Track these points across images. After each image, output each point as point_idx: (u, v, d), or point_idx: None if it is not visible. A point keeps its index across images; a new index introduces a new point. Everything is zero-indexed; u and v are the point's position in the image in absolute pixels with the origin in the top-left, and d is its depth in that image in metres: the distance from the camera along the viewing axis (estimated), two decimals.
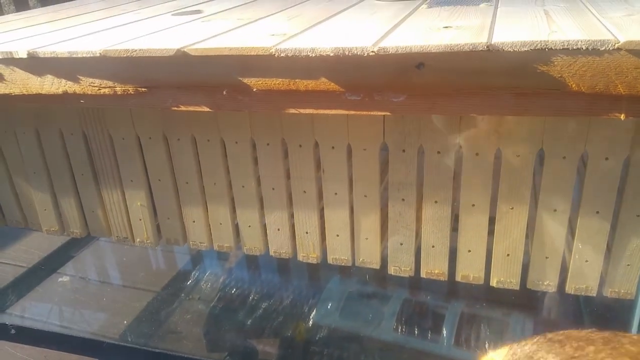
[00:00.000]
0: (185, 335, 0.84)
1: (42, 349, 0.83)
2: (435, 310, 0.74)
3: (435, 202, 0.52)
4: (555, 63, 0.41)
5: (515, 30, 0.45)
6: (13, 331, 0.81)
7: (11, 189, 0.70)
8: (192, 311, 0.88)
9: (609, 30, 0.43)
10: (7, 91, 0.58)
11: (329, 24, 0.56)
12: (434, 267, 0.56)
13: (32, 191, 0.69)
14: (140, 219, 0.65)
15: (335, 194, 0.56)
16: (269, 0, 0.79)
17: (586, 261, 0.51)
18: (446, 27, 0.49)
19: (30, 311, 0.91)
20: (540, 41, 0.40)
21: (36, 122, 0.64)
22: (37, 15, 0.78)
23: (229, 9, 0.75)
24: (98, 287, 1.00)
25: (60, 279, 0.95)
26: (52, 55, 0.54)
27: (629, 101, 0.42)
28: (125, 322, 0.87)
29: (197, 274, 0.94)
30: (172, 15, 0.74)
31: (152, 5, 0.80)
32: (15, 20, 0.75)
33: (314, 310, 0.78)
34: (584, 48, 0.40)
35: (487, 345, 0.72)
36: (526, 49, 0.41)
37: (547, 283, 0.54)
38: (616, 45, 0.39)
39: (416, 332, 0.72)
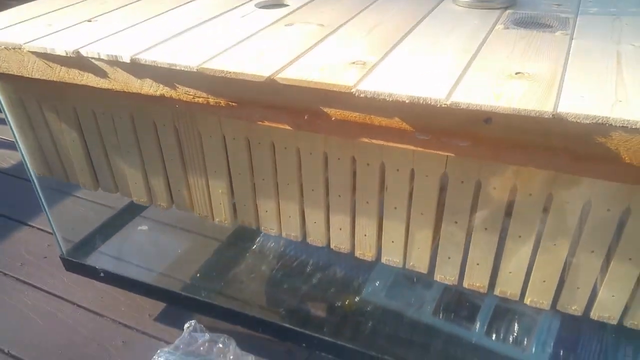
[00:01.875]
0: (245, 285, 0.96)
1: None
2: (472, 300, 0.82)
3: (485, 229, 0.58)
4: (613, 137, 0.44)
5: (583, 92, 0.48)
6: (102, 274, 0.94)
7: (106, 161, 0.80)
8: (253, 265, 0.99)
9: None
10: (109, 86, 0.65)
11: (407, 49, 0.59)
12: (476, 281, 0.62)
13: (126, 167, 0.78)
14: (220, 203, 0.74)
15: (395, 208, 0.62)
16: None
17: (612, 296, 0.56)
18: (518, 73, 0.52)
19: (114, 253, 1.05)
20: (602, 117, 0.44)
21: (132, 109, 0.72)
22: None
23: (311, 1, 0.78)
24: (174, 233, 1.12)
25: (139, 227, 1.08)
26: (153, 64, 0.60)
27: None
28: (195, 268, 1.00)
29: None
30: (256, 6, 0.78)
31: None
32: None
33: (364, 287, 0.87)
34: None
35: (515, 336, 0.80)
36: (588, 122, 0.44)
37: (575, 308, 0.59)
38: None
39: (452, 318, 0.80)
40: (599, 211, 0.52)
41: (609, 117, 0.44)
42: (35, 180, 0.89)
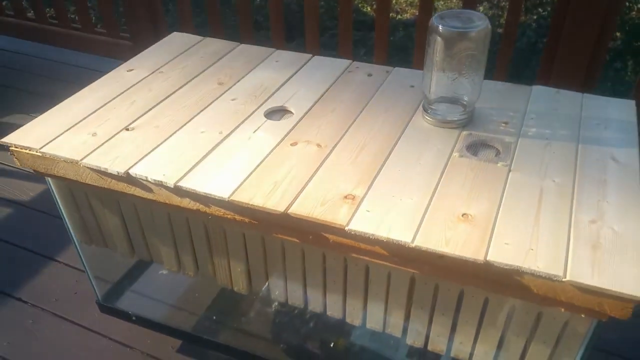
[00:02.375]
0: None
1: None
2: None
3: (442, 314, 0.79)
4: (525, 277, 0.65)
5: (507, 239, 0.68)
6: (134, 318, 1.14)
7: (143, 238, 0.98)
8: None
9: (565, 260, 0.65)
10: (153, 198, 0.83)
11: (383, 182, 0.78)
12: (436, 347, 0.83)
13: (160, 244, 0.96)
14: (239, 278, 0.93)
15: (376, 294, 0.82)
16: (339, 98, 0.99)
17: None
18: (464, 214, 0.72)
19: (140, 295, 1.24)
20: (516, 266, 0.64)
21: (169, 208, 0.89)
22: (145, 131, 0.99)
23: (313, 106, 0.95)
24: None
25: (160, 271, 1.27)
26: (192, 190, 0.78)
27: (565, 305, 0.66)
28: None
29: None
30: (265, 116, 0.95)
31: (246, 102, 0.99)
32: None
33: (352, 331, 1.08)
34: (543, 275, 0.63)
35: None
36: (507, 268, 0.64)
37: None
38: (563, 280, 0.63)
39: None
40: (520, 314, 0.73)
41: (521, 266, 0.64)
42: (78, 246, 1.07)
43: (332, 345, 1.09)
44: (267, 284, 0.92)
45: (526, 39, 2.78)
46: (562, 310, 0.67)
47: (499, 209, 0.73)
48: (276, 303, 1.17)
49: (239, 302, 1.21)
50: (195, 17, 2.01)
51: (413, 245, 0.68)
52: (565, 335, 0.74)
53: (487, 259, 0.65)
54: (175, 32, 1.25)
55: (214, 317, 1.19)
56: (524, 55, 2.62)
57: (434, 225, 0.71)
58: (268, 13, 1.78)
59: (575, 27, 1.36)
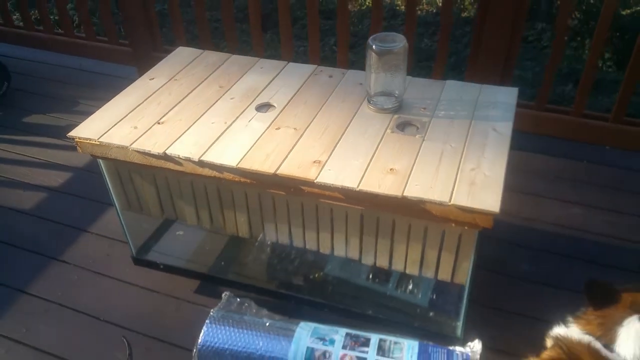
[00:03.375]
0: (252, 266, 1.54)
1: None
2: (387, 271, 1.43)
3: (381, 237, 1.18)
4: (427, 205, 1.04)
5: (418, 182, 1.06)
6: (162, 266, 1.50)
7: (171, 202, 1.34)
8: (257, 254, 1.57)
9: (451, 192, 1.04)
10: (182, 170, 1.20)
11: (341, 151, 1.16)
12: (382, 262, 1.22)
13: (184, 205, 1.33)
14: (243, 227, 1.30)
15: (340, 225, 1.20)
16: (308, 94, 1.37)
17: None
18: (391, 169, 1.10)
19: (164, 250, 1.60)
20: (421, 198, 1.02)
21: (192, 177, 1.25)
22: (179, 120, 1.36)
23: (290, 101, 1.32)
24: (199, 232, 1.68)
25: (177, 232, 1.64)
26: (211, 162, 1.15)
27: (455, 222, 1.05)
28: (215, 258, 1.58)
29: None
30: (255, 109, 1.32)
31: (241, 100, 1.36)
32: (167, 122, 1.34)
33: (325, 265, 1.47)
34: (437, 202, 1.02)
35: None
36: (416, 199, 1.03)
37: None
38: (449, 204, 1.02)
39: (377, 281, 1.41)
40: (432, 233, 1.13)
41: (424, 198, 1.03)
42: (119, 212, 1.43)
43: (311, 277, 1.48)
44: (262, 230, 1.30)
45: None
46: (454, 225, 1.07)
47: (414, 165, 1.12)
48: (268, 249, 1.55)
49: (240, 250, 1.59)
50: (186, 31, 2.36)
51: (358, 189, 1.06)
52: (462, 244, 1.13)
53: (404, 194, 1.04)
54: (180, 47, 1.60)
55: (222, 263, 1.57)
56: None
57: (372, 176, 1.09)
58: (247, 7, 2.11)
59: (490, 40, 1.78)
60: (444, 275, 1.19)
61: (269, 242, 1.53)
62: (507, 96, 1.34)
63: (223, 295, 1.38)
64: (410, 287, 1.43)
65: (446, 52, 1.97)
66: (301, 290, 1.48)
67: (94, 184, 1.98)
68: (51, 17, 2.84)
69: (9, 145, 2.22)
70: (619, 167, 1.99)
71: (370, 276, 1.44)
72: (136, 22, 2.30)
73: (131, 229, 1.50)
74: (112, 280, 1.64)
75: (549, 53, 2.15)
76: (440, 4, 3.63)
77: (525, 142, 1.81)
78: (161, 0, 3.91)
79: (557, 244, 1.67)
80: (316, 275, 1.48)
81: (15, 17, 3.07)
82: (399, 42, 1.18)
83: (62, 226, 1.83)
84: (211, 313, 1.30)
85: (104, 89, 2.45)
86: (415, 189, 1.05)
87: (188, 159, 1.17)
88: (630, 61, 1.73)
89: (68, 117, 2.34)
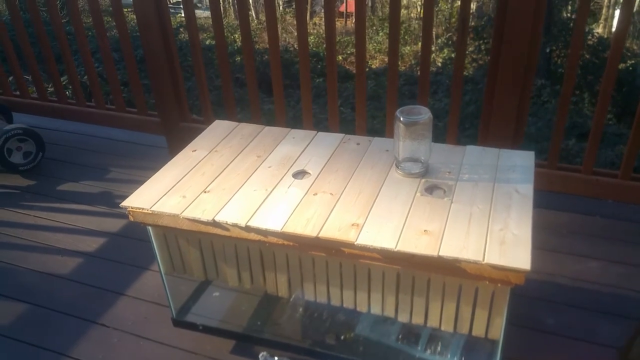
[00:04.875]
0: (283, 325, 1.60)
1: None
2: (416, 331, 1.49)
3: (419, 296, 1.25)
4: (462, 263, 1.12)
5: (452, 242, 1.15)
6: (201, 327, 1.56)
7: (214, 263, 1.43)
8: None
9: (484, 251, 1.13)
10: (229, 235, 1.30)
11: (376, 214, 1.26)
12: (416, 319, 1.29)
13: (227, 268, 1.42)
14: (283, 287, 1.38)
15: (375, 286, 1.28)
16: (340, 161, 1.48)
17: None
18: (425, 230, 1.19)
19: (201, 311, 1.67)
20: (455, 258, 1.11)
21: (235, 241, 1.35)
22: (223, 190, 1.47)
23: (324, 168, 1.43)
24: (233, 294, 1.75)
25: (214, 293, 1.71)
26: (257, 227, 1.25)
27: (488, 279, 1.13)
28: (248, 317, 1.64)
29: None
30: (292, 176, 1.43)
31: (278, 168, 1.48)
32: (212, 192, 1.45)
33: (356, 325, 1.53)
34: (471, 261, 1.11)
35: None
36: (451, 259, 1.12)
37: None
38: (483, 262, 1.10)
39: (406, 342, 1.47)
40: (466, 290, 1.20)
41: (459, 257, 1.11)
42: (163, 275, 1.51)
43: (342, 337, 1.54)
44: (302, 288, 1.38)
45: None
46: (487, 283, 1.15)
47: (445, 226, 1.21)
48: (301, 309, 1.61)
49: (273, 310, 1.66)
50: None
51: (396, 250, 1.15)
52: (495, 300, 1.20)
53: (440, 254, 1.13)
54: (217, 120, 1.74)
55: (258, 322, 1.63)
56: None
57: (407, 238, 1.18)
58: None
59: (499, 110, 1.92)
60: (478, 331, 1.25)
61: (301, 301, 1.60)
62: (524, 159, 1.45)
63: (260, 356, 1.44)
64: (439, 348, 1.48)
65: (457, 118, 2.11)
66: (333, 349, 1.53)
67: (127, 248, 2.08)
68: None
69: (44, 213, 2.33)
70: (631, 220, 2.08)
71: (400, 337, 1.50)
72: (166, 96, 2.46)
73: (172, 291, 1.58)
74: (151, 342, 1.69)
75: (549, 108, 2.29)
76: (441, 64, 3.84)
77: (538, 199, 1.91)
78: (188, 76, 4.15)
79: (577, 297, 1.74)
80: (347, 335, 1.54)
81: (49, 91, 3.27)
82: (424, 114, 1.31)
83: (99, 290, 1.90)
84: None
85: (133, 157, 2.62)
86: (450, 249, 1.14)
87: (235, 225, 1.27)
88: (636, 119, 1.83)
89: (100, 185, 2.46)
